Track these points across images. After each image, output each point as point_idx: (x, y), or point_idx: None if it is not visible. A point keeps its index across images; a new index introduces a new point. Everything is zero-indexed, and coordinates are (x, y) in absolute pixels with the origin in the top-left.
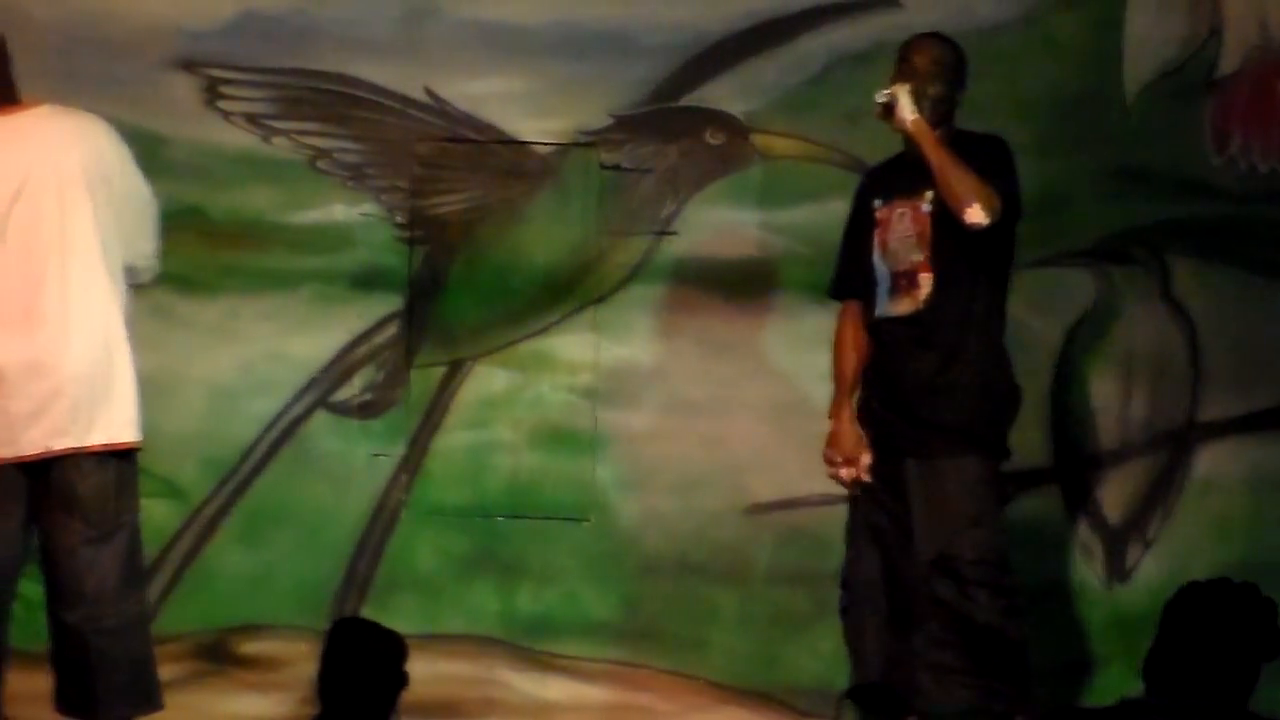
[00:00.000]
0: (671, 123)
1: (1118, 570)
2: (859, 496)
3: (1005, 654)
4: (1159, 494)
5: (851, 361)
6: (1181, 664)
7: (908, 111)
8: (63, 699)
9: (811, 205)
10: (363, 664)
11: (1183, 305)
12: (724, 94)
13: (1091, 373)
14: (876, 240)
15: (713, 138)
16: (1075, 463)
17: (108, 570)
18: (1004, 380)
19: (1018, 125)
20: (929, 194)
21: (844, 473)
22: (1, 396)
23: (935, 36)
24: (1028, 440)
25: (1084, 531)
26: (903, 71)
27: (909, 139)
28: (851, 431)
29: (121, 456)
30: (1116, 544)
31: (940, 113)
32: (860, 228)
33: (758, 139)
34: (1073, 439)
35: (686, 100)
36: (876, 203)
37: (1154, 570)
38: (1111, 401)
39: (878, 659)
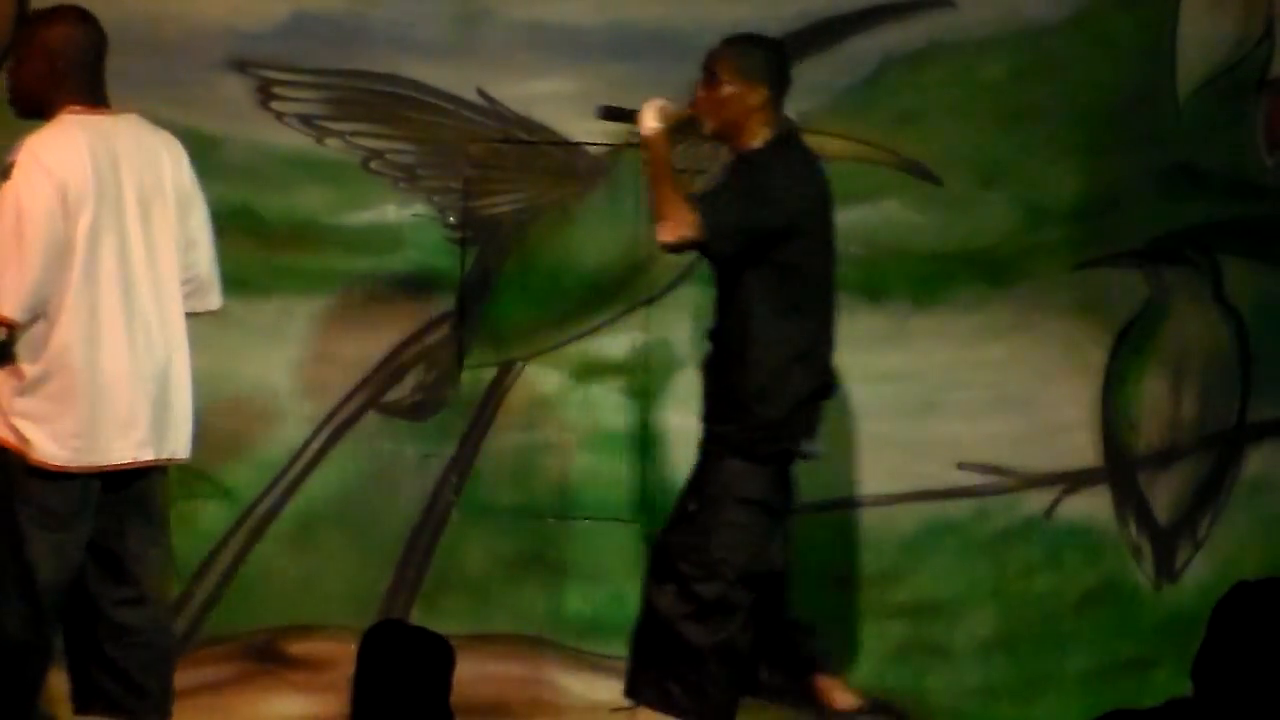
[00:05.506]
0: None
1: (1167, 570)
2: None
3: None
4: (1209, 494)
5: None
6: (1231, 664)
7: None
8: (98, 698)
9: (864, 206)
10: (401, 673)
11: (1234, 305)
12: None
13: (1142, 373)
14: None
15: None
16: (1125, 463)
17: (163, 575)
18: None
19: (1070, 125)
20: None
21: None
22: (88, 406)
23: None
24: (1078, 441)
25: (1133, 532)
26: None
27: None
28: None
29: (166, 469)
30: (1166, 544)
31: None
32: None
33: (810, 139)
34: (1123, 439)
35: None
36: None
37: (1203, 570)
38: (1162, 401)
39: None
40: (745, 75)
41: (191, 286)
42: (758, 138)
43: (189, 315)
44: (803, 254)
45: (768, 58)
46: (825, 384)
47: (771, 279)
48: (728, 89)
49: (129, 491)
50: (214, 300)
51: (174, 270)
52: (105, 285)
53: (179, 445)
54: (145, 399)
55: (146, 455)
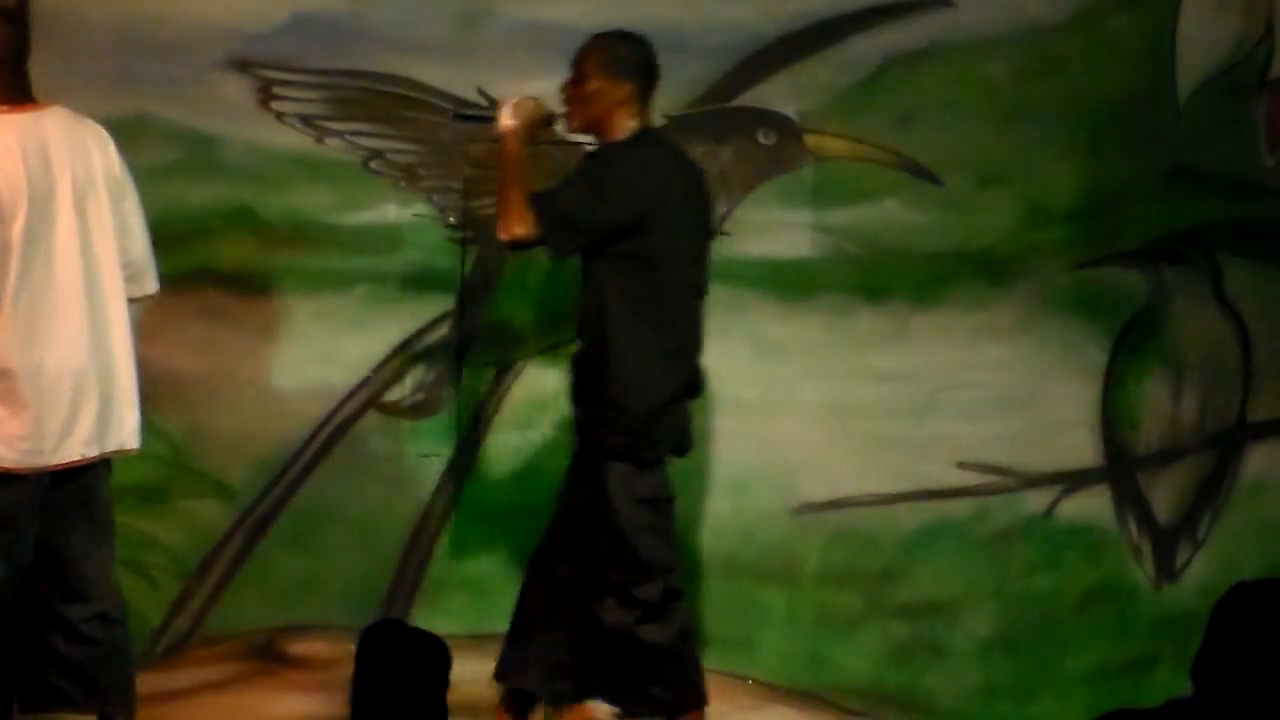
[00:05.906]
0: (724, 123)
1: (1167, 570)
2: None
3: None
4: (1209, 494)
5: None
6: (1230, 664)
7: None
8: (54, 697)
9: (864, 206)
10: (399, 671)
11: (1234, 305)
12: (777, 94)
13: (1142, 373)
14: None
15: (765, 138)
16: (1126, 462)
17: (110, 569)
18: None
19: (1070, 125)
20: None
21: None
22: (34, 408)
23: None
24: (1078, 440)
25: (1134, 532)
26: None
27: None
28: None
29: (109, 463)
30: (1166, 544)
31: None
32: None
33: (810, 139)
34: (1123, 439)
35: (739, 100)
36: None
37: (1203, 570)
38: (1162, 401)
39: None
40: (609, 70)
41: (128, 272)
42: (623, 133)
43: (130, 301)
44: (656, 248)
45: (632, 52)
46: (691, 384)
47: (624, 274)
48: (593, 84)
49: (73, 486)
50: (150, 285)
51: (113, 260)
52: (44, 285)
53: (125, 436)
54: (89, 396)
55: (92, 452)
